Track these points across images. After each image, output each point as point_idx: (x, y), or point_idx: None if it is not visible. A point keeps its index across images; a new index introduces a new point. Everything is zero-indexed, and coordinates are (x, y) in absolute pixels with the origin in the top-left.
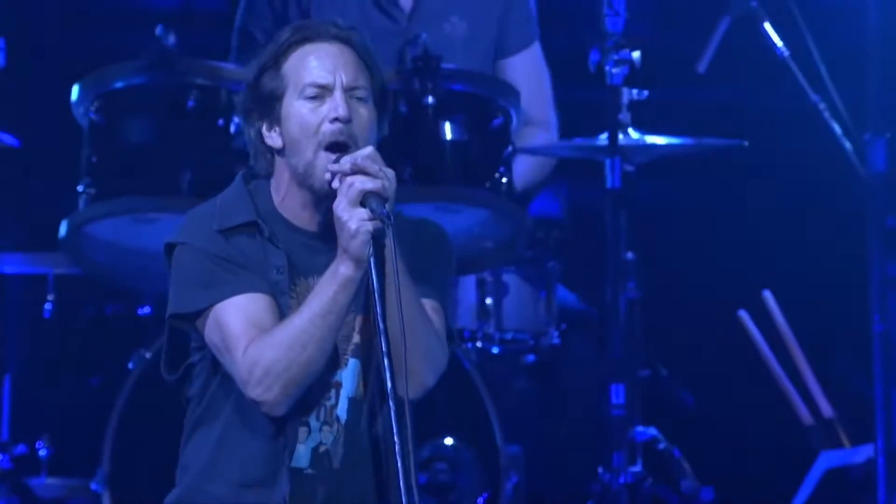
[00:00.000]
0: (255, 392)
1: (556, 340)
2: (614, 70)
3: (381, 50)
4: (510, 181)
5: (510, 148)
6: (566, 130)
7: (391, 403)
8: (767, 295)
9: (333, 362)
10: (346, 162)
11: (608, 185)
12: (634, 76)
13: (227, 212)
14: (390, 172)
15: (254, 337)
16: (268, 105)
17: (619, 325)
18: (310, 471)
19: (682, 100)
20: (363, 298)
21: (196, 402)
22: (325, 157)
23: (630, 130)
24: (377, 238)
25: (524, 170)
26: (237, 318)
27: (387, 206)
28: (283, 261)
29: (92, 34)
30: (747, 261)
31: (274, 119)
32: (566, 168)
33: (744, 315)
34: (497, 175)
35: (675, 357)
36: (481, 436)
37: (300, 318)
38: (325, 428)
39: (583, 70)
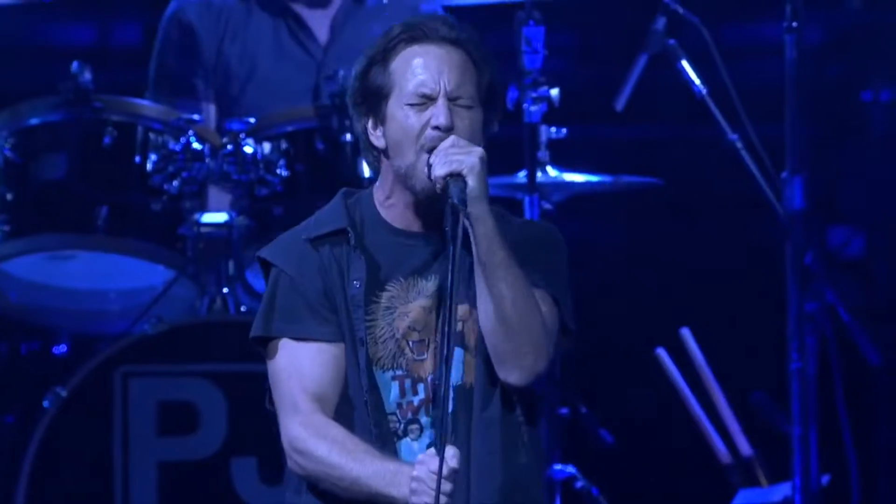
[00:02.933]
0: (286, 447)
1: None
2: (532, 108)
3: (297, 82)
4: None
5: None
6: None
7: (443, 389)
8: (685, 333)
9: (435, 358)
10: (433, 158)
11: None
12: (553, 114)
13: (320, 222)
14: (477, 150)
15: (312, 410)
16: (373, 102)
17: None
18: None
19: (601, 137)
20: (467, 288)
21: None
22: (426, 160)
23: (548, 168)
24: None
25: None
26: (300, 373)
27: (472, 183)
28: (362, 272)
29: (6, 70)
30: (665, 298)
31: (379, 118)
32: None
33: (662, 353)
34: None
35: (594, 395)
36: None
37: (360, 474)
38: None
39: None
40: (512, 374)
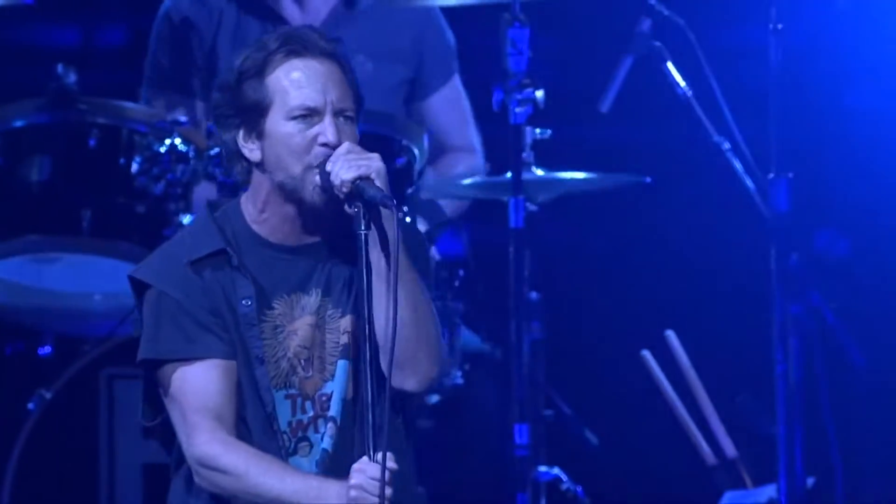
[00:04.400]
0: (195, 465)
1: (459, 381)
2: (518, 109)
3: None
4: (413, 220)
5: (413, 188)
6: None
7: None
8: (670, 335)
9: (326, 374)
10: (330, 165)
11: (511, 224)
12: (538, 115)
13: (196, 243)
14: (375, 155)
15: (216, 427)
16: (249, 116)
17: (523, 366)
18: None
19: (586, 139)
20: (352, 299)
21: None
22: (314, 174)
23: (533, 169)
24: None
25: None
26: (200, 392)
27: (380, 185)
28: (250, 290)
29: None
30: (650, 300)
31: (255, 132)
32: (469, 207)
33: (647, 355)
34: (400, 214)
35: (579, 397)
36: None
37: (282, 490)
38: (326, 438)
39: (486, 109)
40: (409, 381)
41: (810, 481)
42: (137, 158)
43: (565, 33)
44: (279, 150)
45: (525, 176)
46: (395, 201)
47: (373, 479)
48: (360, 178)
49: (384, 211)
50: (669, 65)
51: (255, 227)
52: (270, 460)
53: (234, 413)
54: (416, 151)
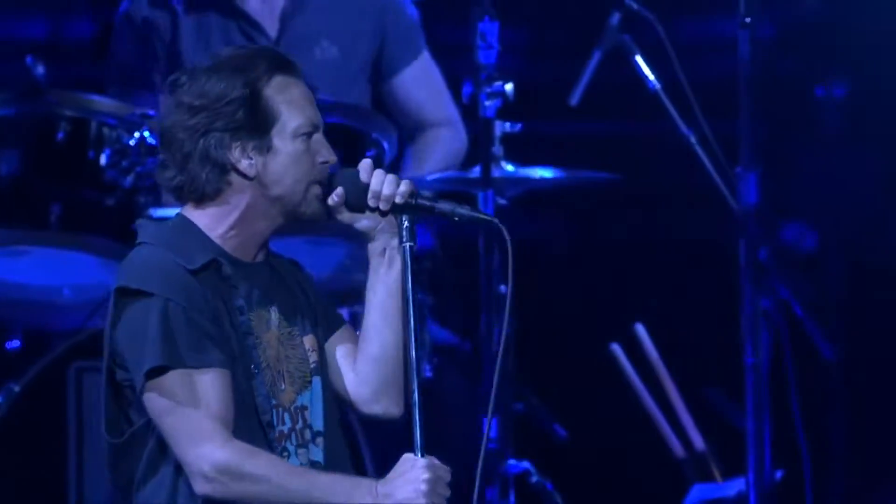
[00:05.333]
0: (212, 474)
1: (428, 374)
2: (487, 103)
3: None
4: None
5: None
6: None
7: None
8: (640, 328)
9: (297, 387)
10: (370, 177)
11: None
12: (507, 109)
13: (188, 251)
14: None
15: (228, 436)
16: (249, 133)
17: (493, 359)
18: None
19: (555, 133)
20: (311, 319)
21: (150, 443)
22: (315, 189)
23: (503, 163)
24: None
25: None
26: (212, 400)
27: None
28: (241, 300)
29: None
30: (619, 294)
31: (258, 148)
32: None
33: (616, 349)
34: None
35: (549, 390)
36: (353, 470)
37: (309, 488)
38: (301, 451)
39: (456, 102)
40: (392, 407)
41: (779, 474)
42: (107, 151)
43: (535, 27)
44: (286, 167)
45: (495, 175)
46: (486, 216)
47: (446, 475)
48: (415, 192)
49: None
50: (639, 59)
51: (217, 241)
52: (289, 464)
53: (232, 422)
54: (385, 144)
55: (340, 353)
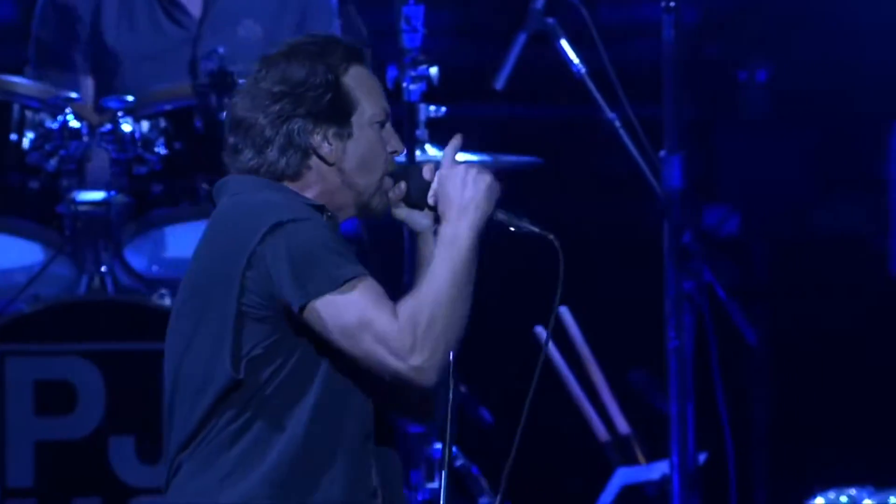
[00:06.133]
0: (419, 357)
1: None
2: (412, 86)
3: (175, 58)
4: None
5: None
6: None
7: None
8: (564, 311)
9: None
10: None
11: None
12: (432, 92)
13: (295, 197)
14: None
15: (392, 309)
16: (338, 114)
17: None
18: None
19: (480, 116)
20: None
21: (255, 392)
22: (387, 182)
23: (428, 147)
24: None
25: None
26: (373, 296)
27: None
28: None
29: None
30: (544, 277)
31: (343, 133)
32: None
33: (541, 331)
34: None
35: (473, 374)
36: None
37: (442, 272)
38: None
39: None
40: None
41: (702, 457)
42: (30, 135)
43: (459, 10)
44: (366, 154)
45: (419, 159)
46: (542, 231)
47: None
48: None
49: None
50: (563, 42)
51: None
52: (420, 282)
53: None
54: None
55: None
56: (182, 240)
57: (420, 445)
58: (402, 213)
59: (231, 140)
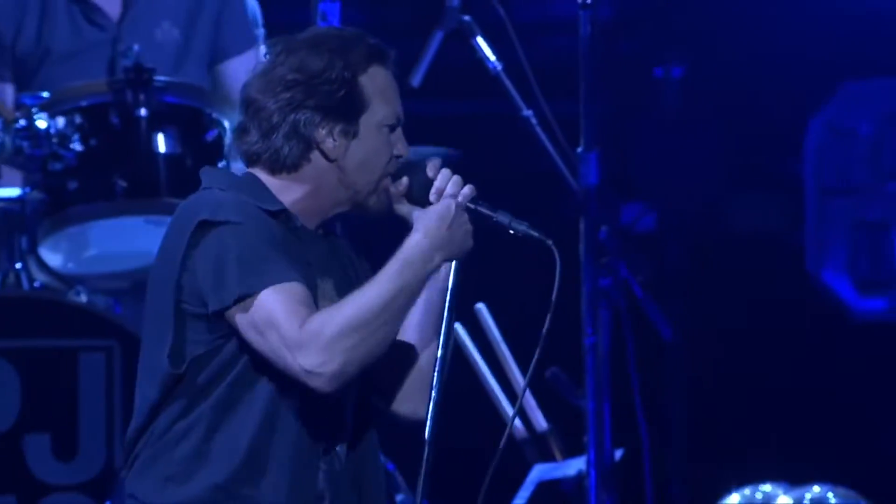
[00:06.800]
0: (311, 360)
1: None
2: None
3: (93, 59)
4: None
5: (225, 161)
6: None
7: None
8: (481, 308)
9: None
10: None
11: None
12: None
13: (256, 197)
14: None
15: (309, 315)
16: (339, 116)
17: None
18: (323, 464)
19: None
20: None
21: (201, 391)
22: (386, 182)
23: None
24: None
25: None
26: (289, 299)
27: None
28: (307, 256)
29: None
30: (462, 274)
31: (349, 130)
32: None
33: (458, 328)
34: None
35: None
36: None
37: (378, 291)
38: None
39: None
40: (420, 409)
41: (618, 453)
42: None
43: (376, 7)
44: (369, 154)
45: None
46: (542, 236)
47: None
48: (475, 198)
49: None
50: (480, 39)
51: (285, 203)
52: (355, 292)
53: None
54: (226, 124)
55: None
56: (97, 236)
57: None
58: (404, 209)
59: (241, 119)
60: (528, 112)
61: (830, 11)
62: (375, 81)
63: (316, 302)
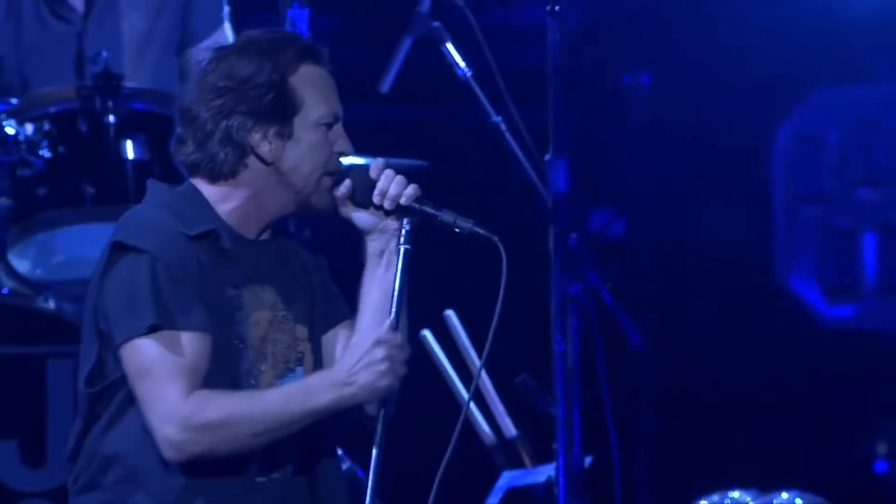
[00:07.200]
0: (176, 434)
1: None
2: None
3: (59, 54)
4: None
5: None
6: None
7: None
8: (450, 315)
9: (279, 371)
10: (379, 175)
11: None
12: None
13: (184, 219)
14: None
15: (191, 384)
16: (272, 118)
17: None
18: (261, 478)
19: (365, 119)
20: (308, 309)
21: (120, 413)
22: (327, 181)
23: None
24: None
25: None
26: (184, 360)
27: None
28: (238, 276)
29: None
30: (430, 280)
31: (280, 133)
32: None
33: (427, 335)
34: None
35: None
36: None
37: (276, 405)
38: None
39: None
40: (372, 405)
41: (588, 460)
42: None
43: (345, 13)
44: (304, 154)
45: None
46: (487, 233)
47: (401, 346)
48: (419, 197)
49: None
50: (449, 45)
51: (222, 215)
52: (249, 392)
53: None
54: None
55: (339, 347)
56: (66, 243)
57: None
58: (348, 211)
59: (178, 130)
60: (497, 118)
61: (798, 19)
62: (308, 81)
63: (244, 309)
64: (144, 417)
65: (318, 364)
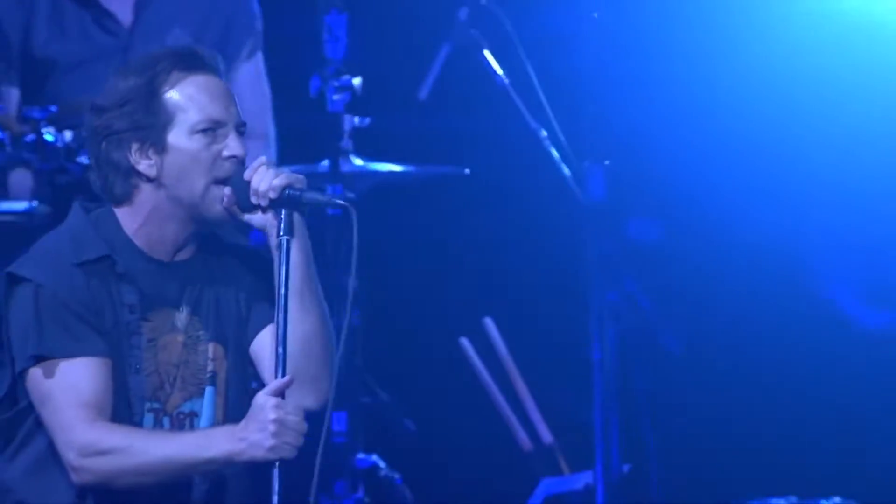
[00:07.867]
0: (74, 461)
1: None
2: (335, 96)
3: (104, 67)
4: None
5: None
6: (287, 157)
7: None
8: (489, 322)
9: (188, 393)
10: (253, 174)
11: (330, 211)
12: (356, 103)
13: (79, 245)
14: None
15: (95, 417)
16: (146, 132)
17: (340, 353)
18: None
19: (404, 127)
20: (231, 324)
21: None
22: (217, 190)
23: (352, 157)
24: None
25: None
26: (82, 388)
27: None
28: (135, 299)
29: None
30: (469, 288)
31: (154, 148)
32: None
33: (465, 342)
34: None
35: (398, 384)
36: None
37: (169, 451)
38: None
39: (303, 96)
40: (309, 399)
41: (626, 468)
42: None
43: (383, 20)
44: (184, 165)
45: (343, 169)
46: (346, 202)
47: (294, 415)
48: (290, 185)
49: (295, 219)
50: (487, 53)
51: (132, 237)
52: (153, 431)
53: (109, 411)
54: None
55: (269, 349)
56: None
57: (344, 456)
58: (241, 217)
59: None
60: (535, 126)
61: None
62: (181, 90)
63: (143, 333)
64: (54, 443)
65: (235, 380)
